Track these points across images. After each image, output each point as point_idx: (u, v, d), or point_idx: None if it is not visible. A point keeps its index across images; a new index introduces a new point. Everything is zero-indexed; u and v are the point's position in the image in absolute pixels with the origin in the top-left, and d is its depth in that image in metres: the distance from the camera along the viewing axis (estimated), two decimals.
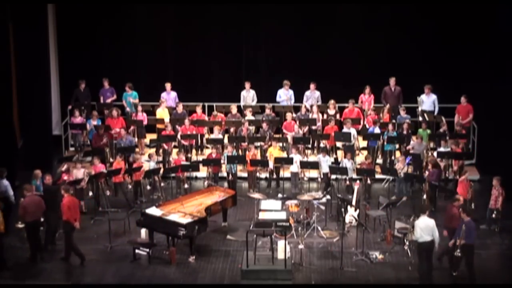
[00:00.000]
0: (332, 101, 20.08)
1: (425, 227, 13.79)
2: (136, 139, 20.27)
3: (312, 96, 20.66)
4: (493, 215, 16.06)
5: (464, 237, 13.70)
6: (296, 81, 20.87)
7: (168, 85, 20.91)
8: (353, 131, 19.14)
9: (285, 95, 20.62)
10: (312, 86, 20.64)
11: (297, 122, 19.67)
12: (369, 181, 18.14)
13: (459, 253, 13.85)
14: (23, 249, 15.36)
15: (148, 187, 18.43)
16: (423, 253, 13.94)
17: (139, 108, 20.31)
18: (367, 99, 20.50)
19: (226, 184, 18.26)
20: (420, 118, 19.95)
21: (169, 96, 20.81)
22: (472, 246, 13.89)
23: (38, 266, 14.83)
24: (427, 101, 20.07)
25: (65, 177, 16.75)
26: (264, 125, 19.43)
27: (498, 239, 15.93)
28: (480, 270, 14.27)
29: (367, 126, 19.70)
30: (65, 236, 14.91)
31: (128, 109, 20.87)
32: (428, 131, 19.17)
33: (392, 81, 20.38)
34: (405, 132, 19.09)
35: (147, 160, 18.52)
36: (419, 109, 20.20)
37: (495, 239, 15.91)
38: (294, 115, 19.85)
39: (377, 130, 19.10)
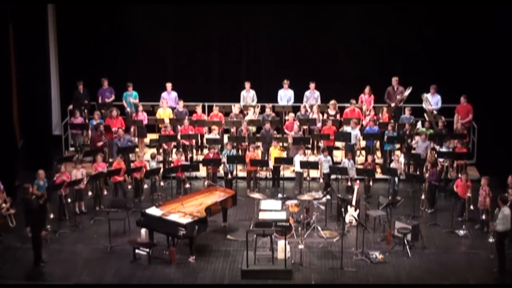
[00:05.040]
0: (332, 101, 20.02)
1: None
2: (136, 139, 20.29)
3: (312, 96, 20.64)
4: (483, 216, 16.00)
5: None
6: (296, 81, 20.84)
7: (168, 85, 20.89)
8: (356, 132, 19.13)
9: (285, 96, 20.63)
10: (311, 85, 20.63)
11: (297, 122, 19.66)
12: (371, 183, 18.16)
13: (492, 239, 14.65)
14: (23, 249, 15.39)
15: (145, 186, 18.42)
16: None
17: (140, 108, 20.31)
18: (366, 99, 20.49)
19: (224, 184, 18.25)
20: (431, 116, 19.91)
21: (169, 96, 20.79)
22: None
23: (38, 266, 14.81)
24: (432, 101, 20.05)
25: (64, 178, 16.76)
26: (267, 125, 19.40)
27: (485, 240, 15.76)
28: (473, 268, 14.69)
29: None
30: None
31: (128, 109, 20.87)
32: (431, 130, 19.14)
33: (394, 80, 20.36)
34: (407, 132, 19.07)
35: (147, 160, 18.52)
36: (425, 106, 20.11)
37: (483, 240, 15.74)
38: (292, 114, 19.84)
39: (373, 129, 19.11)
